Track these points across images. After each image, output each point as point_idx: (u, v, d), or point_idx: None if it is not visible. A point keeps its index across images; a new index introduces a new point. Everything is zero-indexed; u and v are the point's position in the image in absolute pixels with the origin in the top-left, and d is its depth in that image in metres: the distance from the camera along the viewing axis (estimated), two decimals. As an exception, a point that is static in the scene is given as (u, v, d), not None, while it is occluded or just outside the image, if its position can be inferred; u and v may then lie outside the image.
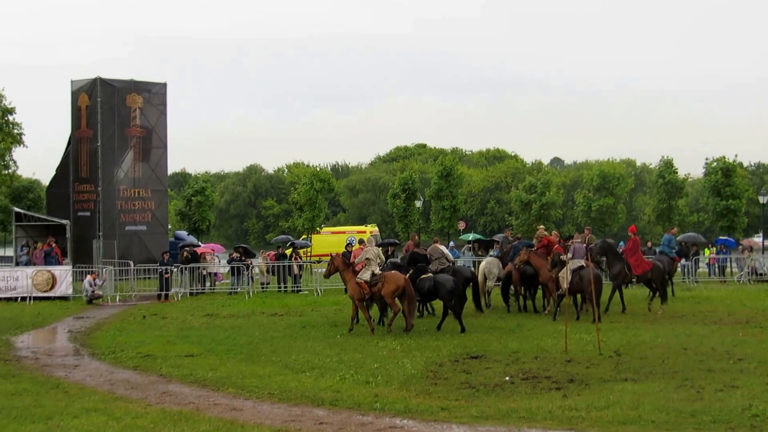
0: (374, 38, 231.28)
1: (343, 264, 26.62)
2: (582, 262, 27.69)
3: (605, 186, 63.05)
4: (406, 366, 19.28)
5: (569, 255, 28.18)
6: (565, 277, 27.34)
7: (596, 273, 27.07)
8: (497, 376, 17.98)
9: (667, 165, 60.27)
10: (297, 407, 15.29)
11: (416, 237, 33.88)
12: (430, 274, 26.82)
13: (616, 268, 29.43)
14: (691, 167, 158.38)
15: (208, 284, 42.43)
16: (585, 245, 30.76)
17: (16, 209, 48.83)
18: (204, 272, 42.01)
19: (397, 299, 25.66)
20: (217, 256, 47.67)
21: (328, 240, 58.66)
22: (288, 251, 45.57)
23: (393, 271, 26.19)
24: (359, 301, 25.94)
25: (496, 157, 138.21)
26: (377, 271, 25.77)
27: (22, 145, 61.11)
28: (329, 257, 27.72)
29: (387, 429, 13.44)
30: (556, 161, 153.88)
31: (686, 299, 33.43)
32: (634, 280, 30.61)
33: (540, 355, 20.55)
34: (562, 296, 27.89)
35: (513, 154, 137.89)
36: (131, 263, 40.86)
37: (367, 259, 26.10)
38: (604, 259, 30.57)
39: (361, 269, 26.18)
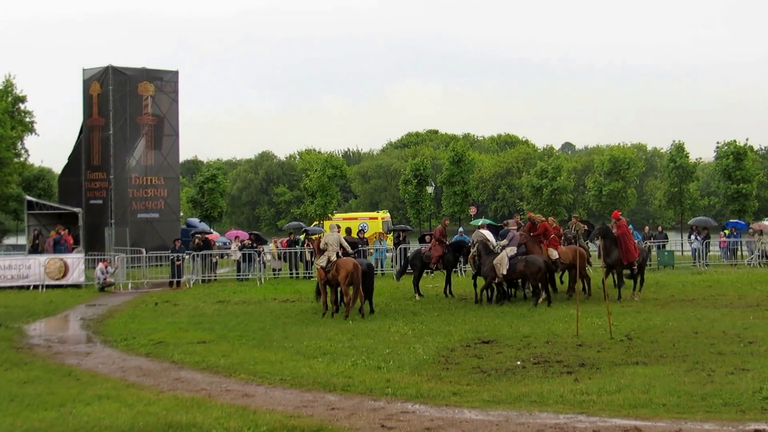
0: (385, 23, 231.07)
1: (317, 249, 27.47)
2: (516, 249, 28.07)
3: (616, 170, 62.82)
4: (418, 351, 19.32)
5: (505, 241, 28.53)
6: (502, 263, 27.77)
7: (544, 259, 27.87)
8: (508, 360, 18.02)
9: (678, 149, 59.92)
10: (309, 393, 15.33)
11: (446, 222, 34.14)
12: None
13: (614, 255, 28.96)
14: (702, 151, 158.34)
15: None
16: (571, 234, 31.00)
17: (28, 197, 48.96)
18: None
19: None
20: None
21: (340, 226, 58.65)
22: (302, 236, 45.55)
23: (345, 258, 26.65)
24: (321, 285, 26.98)
25: (507, 142, 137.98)
26: (333, 257, 26.42)
27: (33, 134, 61.27)
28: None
29: (399, 414, 13.44)
30: (568, 146, 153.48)
31: (696, 283, 33.38)
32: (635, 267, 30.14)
33: (551, 339, 20.57)
34: (498, 283, 28.51)
35: (524, 140, 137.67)
36: (143, 251, 40.91)
37: (326, 243, 26.79)
38: (598, 242, 29.94)
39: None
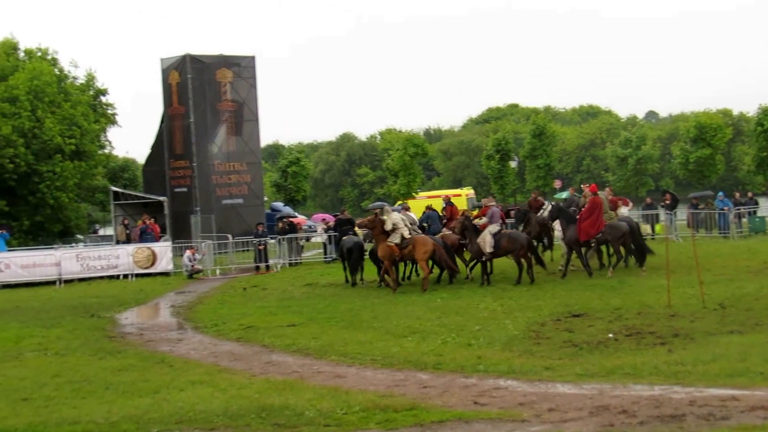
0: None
1: (379, 228, 28.11)
2: (498, 227, 27.92)
3: (702, 137, 61.91)
4: (508, 327, 19.22)
5: (486, 220, 28.50)
6: (486, 241, 27.68)
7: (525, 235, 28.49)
8: (600, 333, 17.85)
9: (766, 112, 58.90)
10: (400, 372, 15.31)
11: (536, 195, 33.98)
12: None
13: (570, 232, 28.36)
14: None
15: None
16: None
17: (114, 188, 49.53)
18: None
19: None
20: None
21: (425, 204, 58.51)
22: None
23: (422, 236, 28.22)
24: (389, 262, 27.82)
25: (589, 113, 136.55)
26: (407, 234, 27.57)
27: (116, 125, 61.94)
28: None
29: (491, 390, 13.35)
30: (651, 114, 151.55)
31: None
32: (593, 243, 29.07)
33: (643, 310, 20.33)
34: (484, 262, 28.31)
35: (607, 110, 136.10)
36: (229, 236, 41.15)
37: (393, 224, 27.66)
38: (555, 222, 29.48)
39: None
